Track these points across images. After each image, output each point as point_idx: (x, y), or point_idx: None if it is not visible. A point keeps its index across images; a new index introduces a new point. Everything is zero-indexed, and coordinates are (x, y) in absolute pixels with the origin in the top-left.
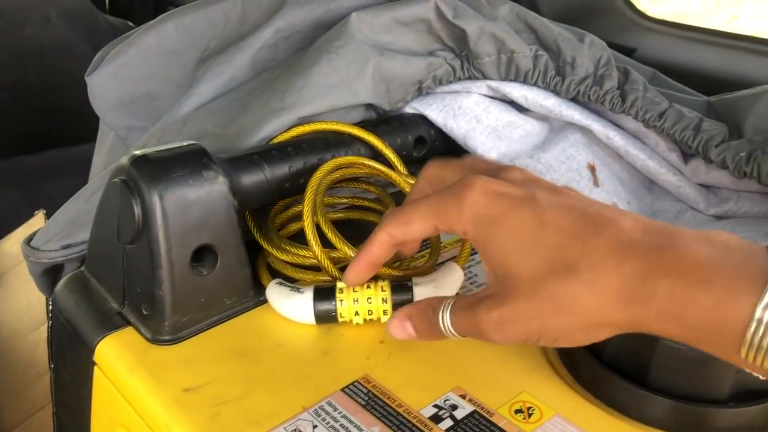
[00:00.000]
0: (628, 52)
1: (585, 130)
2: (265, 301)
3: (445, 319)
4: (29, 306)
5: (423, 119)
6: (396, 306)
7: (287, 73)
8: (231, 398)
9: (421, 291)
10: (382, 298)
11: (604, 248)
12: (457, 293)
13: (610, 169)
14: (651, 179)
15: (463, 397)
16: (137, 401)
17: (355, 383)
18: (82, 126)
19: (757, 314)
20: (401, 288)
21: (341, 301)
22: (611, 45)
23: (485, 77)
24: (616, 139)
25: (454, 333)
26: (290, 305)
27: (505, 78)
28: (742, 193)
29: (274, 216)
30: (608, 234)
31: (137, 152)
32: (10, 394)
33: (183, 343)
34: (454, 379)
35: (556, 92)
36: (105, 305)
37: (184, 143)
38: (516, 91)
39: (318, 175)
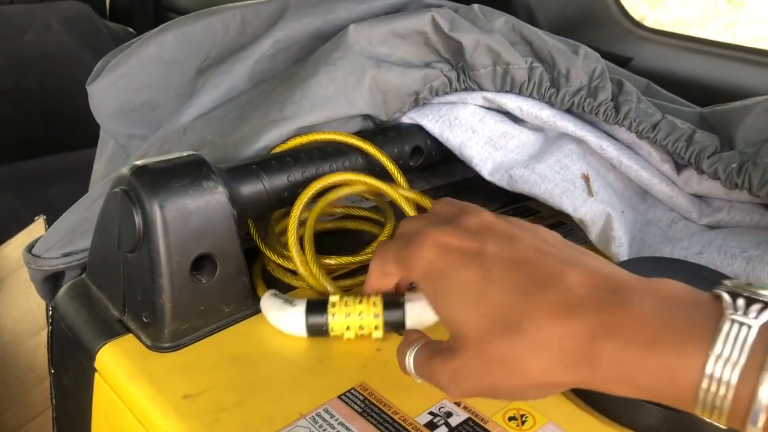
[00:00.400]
0: (625, 61)
1: (579, 141)
2: None
3: (410, 361)
4: (29, 311)
5: (419, 129)
6: (387, 323)
7: (286, 84)
8: (229, 405)
9: (413, 308)
10: (374, 314)
11: (547, 307)
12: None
13: (604, 179)
14: (644, 189)
15: (458, 404)
16: (137, 408)
17: (352, 390)
18: (82, 131)
19: (706, 374)
20: (393, 305)
21: (333, 315)
22: (607, 54)
23: (481, 88)
24: (610, 149)
25: (418, 377)
26: (282, 318)
27: (501, 89)
28: (734, 203)
29: (274, 223)
30: (553, 292)
31: (138, 162)
32: (11, 398)
33: (182, 351)
34: None
35: (551, 103)
36: (106, 313)
37: (184, 153)
38: (511, 102)
39: (308, 192)
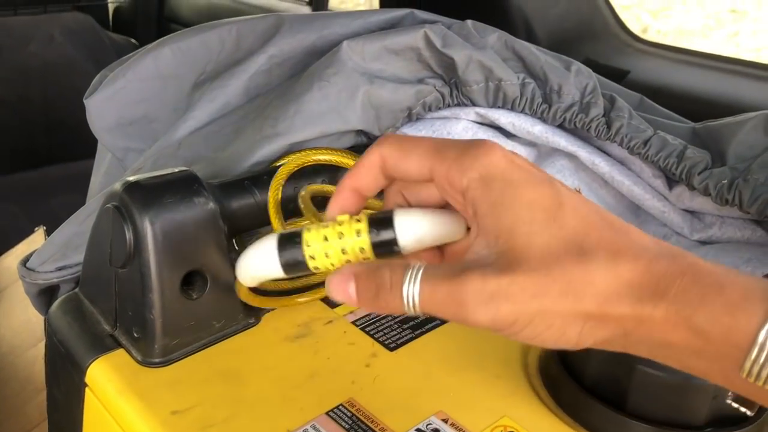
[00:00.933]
0: (622, 74)
1: (571, 156)
2: (254, 323)
3: (411, 289)
4: (28, 321)
5: None
6: (376, 245)
7: (280, 99)
8: (217, 421)
9: (407, 225)
10: (356, 231)
11: (620, 244)
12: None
13: (596, 194)
14: (637, 204)
15: (446, 421)
16: (126, 423)
17: (340, 407)
18: (84, 142)
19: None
20: (380, 222)
21: (308, 244)
22: (605, 67)
23: (473, 104)
24: (602, 165)
25: (416, 307)
26: (251, 260)
27: (493, 105)
28: (725, 218)
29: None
30: (624, 233)
31: (130, 178)
32: (8, 410)
33: (172, 366)
34: (437, 402)
35: (543, 119)
36: (97, 327)
37: (176, 169)
38: (504, 117)
39: (288, 166)
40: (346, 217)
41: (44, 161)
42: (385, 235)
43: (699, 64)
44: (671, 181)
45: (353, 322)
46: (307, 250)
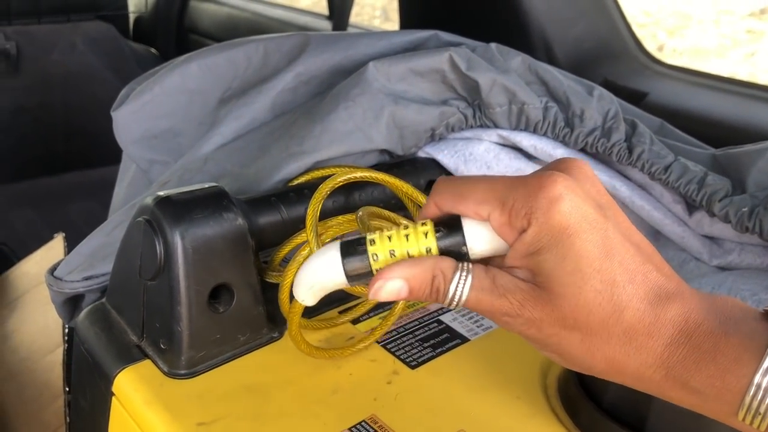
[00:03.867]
0: (640, 96)
1: None
2: (278, 338)
3: (460, 293)
4: (46, 327)
5: (434, 163)
6: (444, 250)
7: (306, 118)
8: None
9: (475, 231)
10: (425, 246)
11: (647, 321)
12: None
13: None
14: (656, 229)
15: None
16: None
17: (362, 423)
18: (102, 149)
19: (756, 380)
20: (447, 225)
21: (374, 255)
22: (623, 89)
23: (496, 126)
24: (623, 189)
25: (462, 304)
26: (313, 268)
27: (516, 127)
28: (745, 245)
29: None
30: (657, 304)
31: (161, 193)
32: (25, 415)
33: (198, 378)
34: (458, 421)
35: (565, 143)
36: (124, 337)
37: (206, 185)
38: (526, 140)
39: (326, 186)
40: (409, 225)
41: (62, 168)
42: (453, 239)
43: (718, 88)
44: (691, 207)
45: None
46: (371, 249)
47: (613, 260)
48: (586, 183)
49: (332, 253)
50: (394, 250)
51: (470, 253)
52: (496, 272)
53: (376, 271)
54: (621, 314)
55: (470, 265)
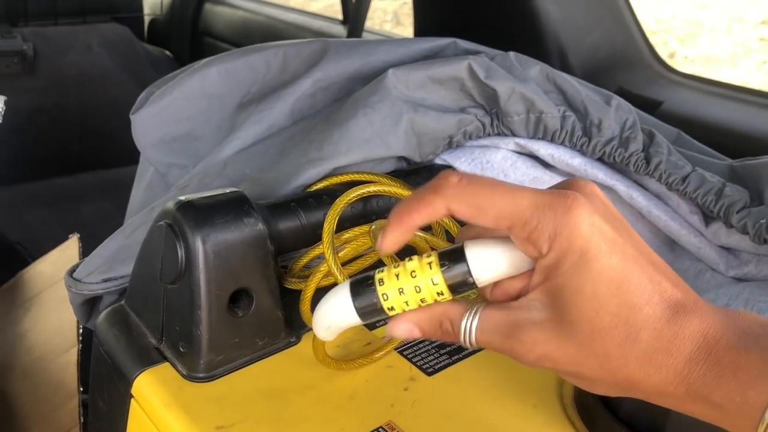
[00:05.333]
0: (655, 105)
1: (609, 189)
2: (295, 342)
3: (470, 333)
4: (61, 327)
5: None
6: (452, 286)
7: (324, 123)
8: None
9: (479, 259)
10: (431, 279)
11: (664, 339)
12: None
13: (632, 228)
14: (672, 239)
15: None
16: None
17: (380, 429)
18: (117, 150)
19: None
20: (452, 257)
21: (384, 294)
22: (638, 97)
23: (514, 134)
24: (640, 199)
25: (475, 345)
26: (326, 311)
27: (533, 136)
28: (762, 256)
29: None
30: (674, 322)
31: (182, 198)
32: (39, 414)
33: (216, 381)
34: (474, 429)
35: (582, 152)
36: (143, 340)
37: (227, 190)
38: (543, 149)
39: (343, 199)
40: (414, 258)
41: (77, 168)
42: (458, 269)
43: (732, 97)
44: (708, 218)
45: None
46: (384, 303)
47: (630, 283)
48: (599, 204)
49: (343, 294)
50: (402, 288)
51: (477, 281)
52: (507, 310)
53: (389, 309)
54: (637, 336)
55: (479, 308)
